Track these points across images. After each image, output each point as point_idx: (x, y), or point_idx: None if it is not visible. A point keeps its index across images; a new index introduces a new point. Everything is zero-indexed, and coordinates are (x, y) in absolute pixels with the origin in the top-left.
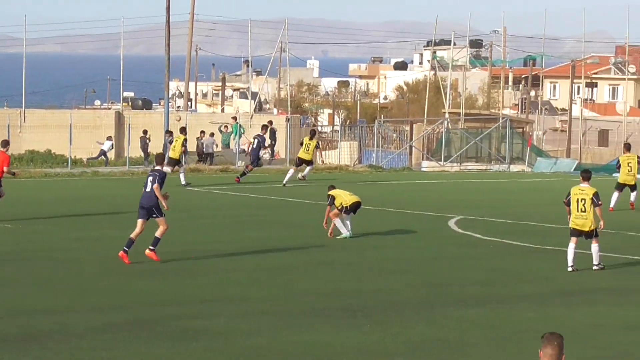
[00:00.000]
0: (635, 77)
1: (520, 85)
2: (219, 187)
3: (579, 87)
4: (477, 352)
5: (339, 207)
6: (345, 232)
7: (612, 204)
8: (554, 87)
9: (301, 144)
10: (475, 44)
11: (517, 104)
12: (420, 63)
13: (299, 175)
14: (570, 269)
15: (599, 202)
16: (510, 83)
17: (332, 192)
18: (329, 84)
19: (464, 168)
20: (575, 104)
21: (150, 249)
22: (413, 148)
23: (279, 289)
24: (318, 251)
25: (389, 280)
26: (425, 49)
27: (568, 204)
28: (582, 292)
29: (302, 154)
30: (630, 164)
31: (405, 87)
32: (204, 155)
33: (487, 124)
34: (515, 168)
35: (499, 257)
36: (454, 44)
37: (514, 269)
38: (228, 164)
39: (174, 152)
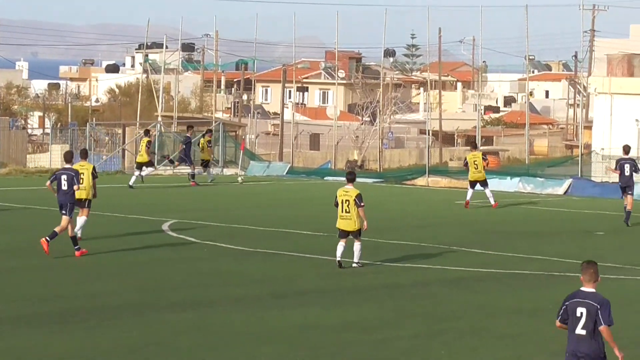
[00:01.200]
0: (344, 82)
1: (233, 89)
2: None
3: (290, 91)
4: (191, 355)
5: None
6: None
7: (468, 197)
8: (266, 91)
9: (199, 144)
10: (188, 47)
11: (230, 107)
12: (132, 66)
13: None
14: (337, 264)
15: (362, 204)
16: (222, 87)
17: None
18: (39, 86)
19: (177, 171)
20: (287, 108)
21: (76, 249)
22: (126, 151)
23: None
24: (33, 256)
25: (105, 284)
26: (137, 52)
27: (336, 205)
28: (293, 294)
29: (205, 155)
30: (476, 162)
31: (117, 90)
32: None
33: (200, 127)
34: (228, 172)
35: (213, 260)
36: (166, 47)
37: (227, 272)
38: None
39: (141, 157)
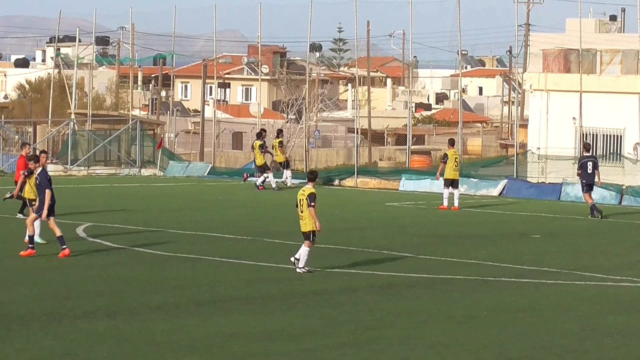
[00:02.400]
0: (268, 77)
1: (150, 85)
2: None
3: (211, 87)
4: None
5: None
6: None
7: (445, 203)
8: (186, 87)
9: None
10: (102, 41)
11: (148, 104)
12: (43, 60)
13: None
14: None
15: (311, 203)
16: (139, 83)
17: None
18: None
19: (92, 172)
20: (208, 105)
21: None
22: (37, 150)
23: None
24: None
25: (13, 291)
26: (48, 46)
27: (297, 206)
28: (215, 301)
29: (279, 157)
30: (457, 159)
31: (27, 86)
32: None
33: (116, 125)
34: (146, 172)
35: (131, 265)
36: (80, 41)
37: (146, 278)
38: None
39: (259, 159)
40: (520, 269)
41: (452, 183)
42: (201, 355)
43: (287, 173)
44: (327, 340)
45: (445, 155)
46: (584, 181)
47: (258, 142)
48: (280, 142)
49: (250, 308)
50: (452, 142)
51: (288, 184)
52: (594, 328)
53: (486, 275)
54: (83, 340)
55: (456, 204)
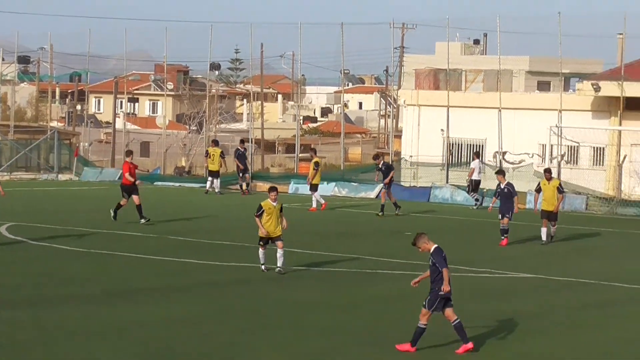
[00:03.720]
0: (173, 93)
1: (67, 99)
2: None
3: (122, 102)
4: (28, 353)
5: None
6: None
7: (315, 204)
8: (99, 101)
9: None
10: (24, 59)
11: (64, 117)
12: None
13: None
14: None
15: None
16: (57, 97)
17: None
18: None
19: (14, 177)
20: (119, 117)
21: None
22: None
23: None
24: None
25: None
26: None
27: None
28: (125, 292)
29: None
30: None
31: None
32: None
33: (36, 135)
34: (63, 177)
35: (50, 260)
36: (3, 60)
37: (63, 272)
38: None
39: (213, 165)
40: (396, 263)
41: (317, 187)
42: (111, 340)
43: (217, 182)
44: (225, 326)
45: (317, 163)
46: (393, 182)
47: (219, 150)
48: (222, 153)
49: (156, 298)
50: (315, 151)
51: (217, 191)
52: (458, 313)
53: (365, 268)
54: (5, 329)
55: (322, 202)
